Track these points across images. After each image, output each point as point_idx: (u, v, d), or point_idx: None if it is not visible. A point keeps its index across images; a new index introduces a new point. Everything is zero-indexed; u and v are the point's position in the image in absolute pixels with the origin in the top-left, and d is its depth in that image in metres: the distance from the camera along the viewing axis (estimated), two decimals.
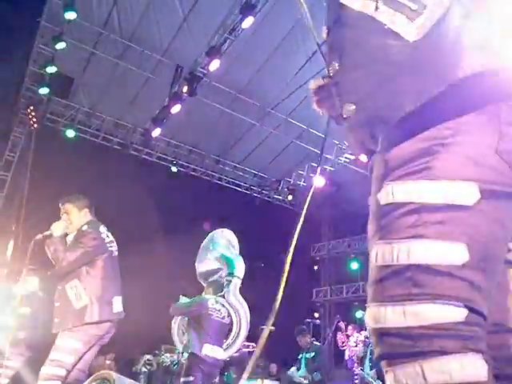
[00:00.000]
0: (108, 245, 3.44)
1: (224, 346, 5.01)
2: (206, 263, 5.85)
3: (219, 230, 5.99)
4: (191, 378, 4.42)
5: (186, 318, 5.06)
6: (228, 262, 5.58)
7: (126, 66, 9.42)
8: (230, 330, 5.09)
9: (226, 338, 5.18)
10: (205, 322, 4.51)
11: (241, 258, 5.68)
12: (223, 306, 4.76)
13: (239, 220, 10.76)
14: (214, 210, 10.83)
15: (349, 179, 12.80)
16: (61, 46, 8.29)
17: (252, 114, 10.68)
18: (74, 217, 3.48)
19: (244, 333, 5.09)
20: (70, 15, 7.73)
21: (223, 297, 5.02)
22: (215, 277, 5.44)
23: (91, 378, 3.60)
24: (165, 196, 10.34)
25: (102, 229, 3.47)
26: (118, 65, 9.50)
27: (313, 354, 7.05)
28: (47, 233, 3.35)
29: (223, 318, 4.67)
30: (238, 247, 5.51)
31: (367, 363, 6.15)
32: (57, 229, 3.36)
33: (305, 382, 6.83)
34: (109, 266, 3.41)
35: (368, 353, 6.31)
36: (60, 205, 3.53)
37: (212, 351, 4.50)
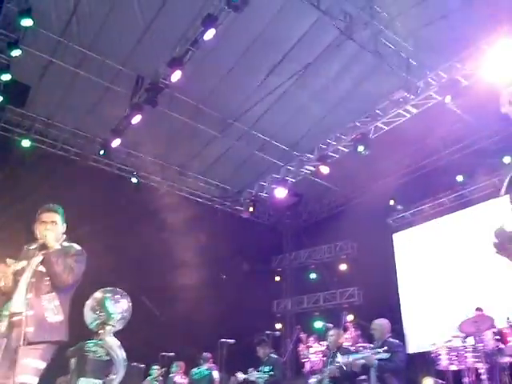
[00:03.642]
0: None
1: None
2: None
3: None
4: None
5: None
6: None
7: (85, 75, 9.25)
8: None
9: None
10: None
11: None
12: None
13: (200, 231, 10.70)
14: (174, 220, 10.72)
15: (310, 190, 13.00)
16: (16, 53, 8.05)
17: (214, 126, 10.69)
18: (59, 230, 3.33)
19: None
20: (27, 22, 7.54)
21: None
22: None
23: None
24: (125, 207, 10.16)
25: None
26: (76, 74, 9.31)
27: (270, 366, 7.04)
28: (46, 242, 3.16)
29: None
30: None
31: (326, 374, 6.20)
32: (51, 240, 3.17)
33: None
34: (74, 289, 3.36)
35: (328, 363, 6.36)
36: (45, 211, 3.33)
37: None
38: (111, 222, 10.02)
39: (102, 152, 10.39)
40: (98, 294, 5.15)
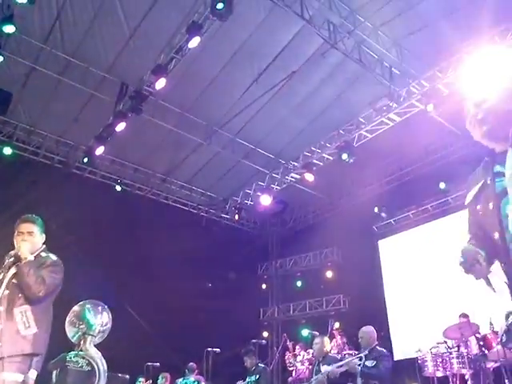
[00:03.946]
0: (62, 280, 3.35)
1: None
2: None
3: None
4: None
5: None
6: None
7: (68, 82, 9.17)
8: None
9: None
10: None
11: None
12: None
13: (186, 239, 10.63)
14: (159, 229, 10.65)
15: (295, 198, 13.03)
16: None
17: (199, 133, 10.67)
18: (36, 240, 3.30)
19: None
20: (9, 29, 7.43)
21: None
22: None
23: None
24: (109, 215, 10.06)
25: None
26: (60, 81, 9.23)
27: (257, 376, 7.00)
28: (19, 253, 3.12)
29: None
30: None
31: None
32: (25, 251, 3.14)
33: None
34: (53, 299, 3.32)
35: (313, 373, 6.36)
36: (21, 222, 3.31)
37: None
38: (95, 230, 9.93)
39: (85, 160, 10.29)
40: (77, 307, 5.21)
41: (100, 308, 5.32)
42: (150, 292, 10.37)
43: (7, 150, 9.97)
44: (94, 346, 5.05)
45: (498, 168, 1.94)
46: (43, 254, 3.31)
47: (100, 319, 5.24)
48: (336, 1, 7.98)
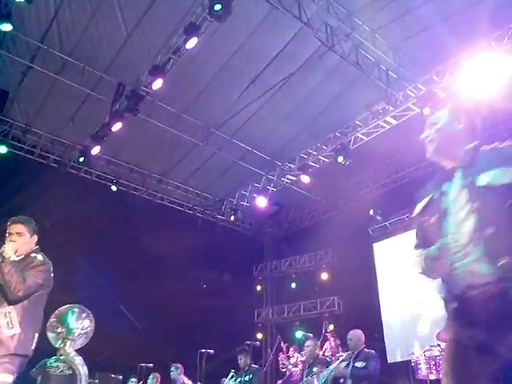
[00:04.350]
0: (52, 280, 3.35)
1: None
2: None
3: None
4: None
5: None
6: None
7: (65, 81, 9.14)
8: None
9: None
10: None
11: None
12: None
13: (181, 240, 10.62)
14: (155, 229, 10.63)
15: (291, 200, 13.05)
16: None
17: (195, 134, 10.66)
18: (25, 240, 3.30)
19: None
20: (6, 27, 7.42)
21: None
22: None
23: None
24: (104, 215, 10.03)
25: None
26: (56, 80, 9.20)
27: (250, 376, 7.02)
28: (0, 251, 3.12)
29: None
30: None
31: None
32: (9, 251, 3.13)
33: None
34: (43, 301, 3.31)
35: (304, 375, 6.41)
36: (10, 223, 3.33)
37: None
38: (89, 230, 9.90)
39: (81, 159, 10.26)
40: (61, 309, 5.23)
41: (84, 314, 5.43)
42: (144, 292, 10.35)
43: (2, 149, 9.93)
44: (76, 350, 5.14)
45: (445, 186, 2.11)
46: (32, 255, 3.31)
47: (81, 323, 5.33)
48: (334, 4, 8.01)
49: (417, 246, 2.25)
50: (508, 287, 1.78)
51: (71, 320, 5.19)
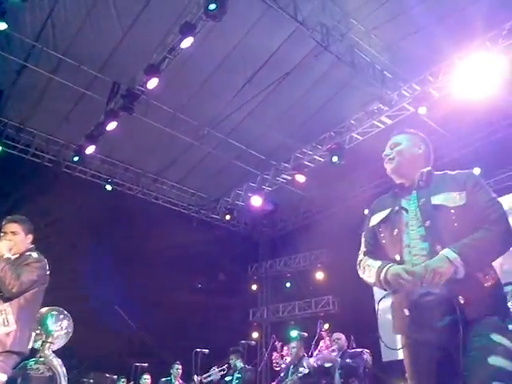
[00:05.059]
0: (47, 277, 3.38)
1: None
2: None
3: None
4: None
5: None
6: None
7: (60, 80, 9.11)
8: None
9: None
10: None
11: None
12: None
13: (176, 239, 10.61)
14: (149, 228, 10.61)
15: (286, 199, 13.06)
16: None
17: (190, 133, 10.64)
18: (20, 239, 3.36)
19: None
20: (0, 26, 7.39)
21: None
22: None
23: None
24: (98, 215, 10.01)
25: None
26: (51, 79, 9.17)
27: (243, 374, 7.11)
28: None
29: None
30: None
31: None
32: (3, 249, 3.17)
33: None
34: (39, 299, 3.34)
35: (288, 375, 6.57)
36: (5, 222, 3.39)
37: None
38: (84, 229, 9.88)
39: (75, 158, 10.22)
40: (39, 313, 5.29)
41: (62, 316, 5.59)
42: (138, 291, 10.34)
43: None
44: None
45: (403, 203, 2.34)
46: (27, 253, 3.35)
47: (59, 325, 5.47)
48: (329, 4, 8.02)
49: (365, 254, 2.45)
50: (453, 296, 1.98)
51: (50, 322, 5.36)
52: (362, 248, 2.51)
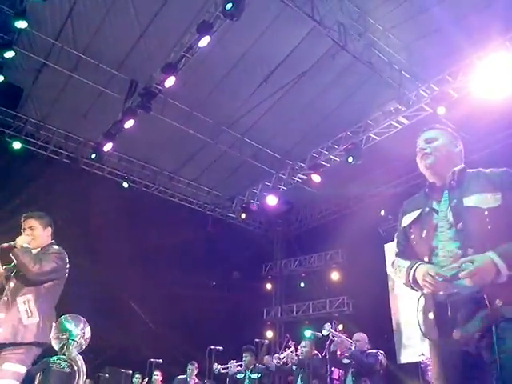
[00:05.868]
0: (67, 270, 3.47)
1: None
2: None
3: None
4: None
5: None
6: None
7: (79, 78, 9.23)
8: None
9: None
10: None
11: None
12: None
13: (191, 237, 10.67)
14: (165, 226, 10.68)
15: (301, 199, 13.03)
16: (9, 54, 8.03)
17: (207, 132, 10.69)
18: (38, 233, 3.45)
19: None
20: (21, 24, 7.51)
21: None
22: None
23: None
24: (115, 212, 10.11)
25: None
26: (70, 77, 9.29)
27: (259, 375, 7.11)
28: (12, 243, 3.23)
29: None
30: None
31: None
32: (21, 241, 3.27)
33: None
34: (59, 291, 3.42)
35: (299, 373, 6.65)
36: (23, 219, 3.49)
37: None
38: (101, 226, 9.98)
39: (93, 156, 10.35)
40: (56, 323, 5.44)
41: (81, 322, 5.71)
42: (154, 289, 10.43)
43: (16, 145, 10.07)
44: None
45: (434, 204, 2.26)
46: (55, 247, 3.47)
47: (81, 330, 5.61)
48: (347, 2, 7.97)
49: (397, 255, 2.40)
50: (481, 297, 1.91)
51: (71, 326, 5.50)
52: (395, 249, 2.47)
